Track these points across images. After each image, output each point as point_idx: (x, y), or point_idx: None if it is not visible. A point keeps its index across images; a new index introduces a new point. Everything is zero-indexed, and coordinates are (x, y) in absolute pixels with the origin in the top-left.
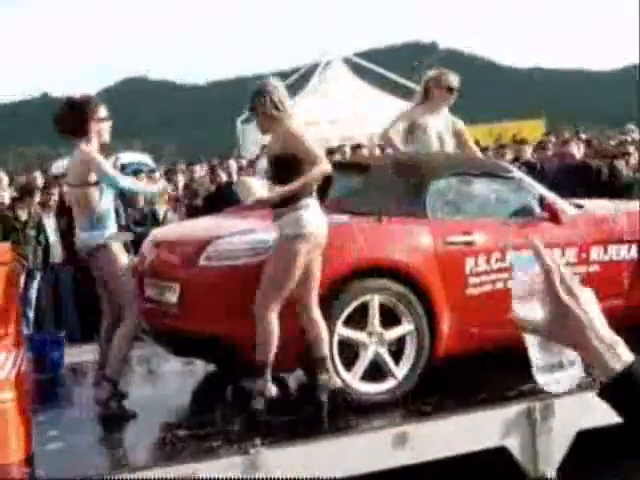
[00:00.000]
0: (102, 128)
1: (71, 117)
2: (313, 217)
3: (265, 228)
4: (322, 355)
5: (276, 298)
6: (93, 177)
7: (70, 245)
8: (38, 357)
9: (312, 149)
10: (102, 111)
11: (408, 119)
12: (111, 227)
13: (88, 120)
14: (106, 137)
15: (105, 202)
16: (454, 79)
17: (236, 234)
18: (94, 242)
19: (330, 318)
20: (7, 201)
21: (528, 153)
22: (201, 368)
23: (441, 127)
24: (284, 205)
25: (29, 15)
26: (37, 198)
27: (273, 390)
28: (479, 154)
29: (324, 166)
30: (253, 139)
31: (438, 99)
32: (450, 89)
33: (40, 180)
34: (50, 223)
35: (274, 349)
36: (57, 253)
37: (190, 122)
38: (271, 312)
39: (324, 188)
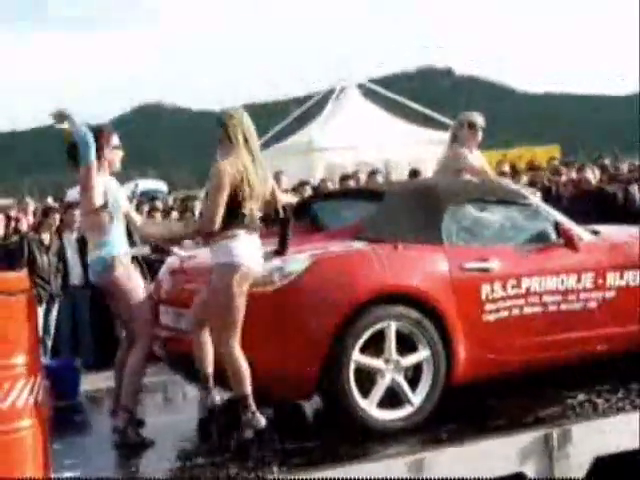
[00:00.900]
0: (114, 157)
1: None
2: (243, 248)
3: (282, 256)
4: (243, 394)
5: (230, 330)
6: (98, 202)
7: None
8: (54, 385)
9: (211, 204)
10: (115, 139)
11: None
12: (123, 249)
13: (100, 149)
14: (117, 165)
15: (117, 226)
16: (477, 117)
17: None
18: (104, 261)
19: (347, 345)
20: (25, 228)
21: (543, 178)
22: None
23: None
24: (215, 234)
25: (43, 44)
26: (56, 221)
27: (262, 421)
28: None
29: (202, 226)
30: (270, 165)
31: (465, 139)
32: (471, 125)
33: (54, 205)
34: (71, 245)
35: (249, 380)
36: (77, 275)
37: (205, 149)
38: (233, 345)
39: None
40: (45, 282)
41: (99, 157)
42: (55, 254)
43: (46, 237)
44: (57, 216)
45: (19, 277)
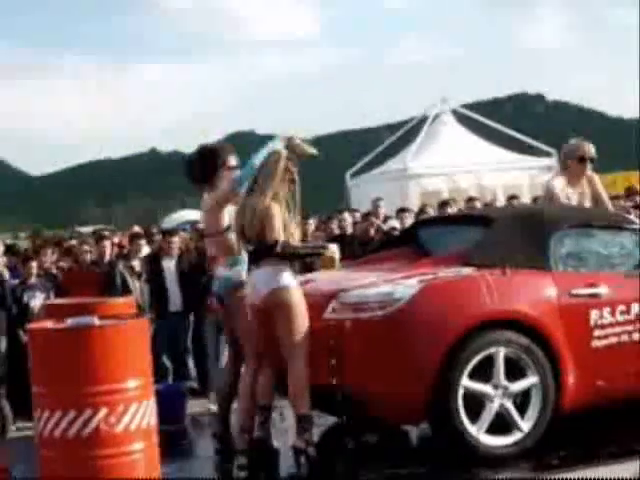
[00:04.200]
0: (230, 176)
1: (201, 165)
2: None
3: (391, 281)
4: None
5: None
6: (225, 223)
7: (190, 293)
8: (161, 409)
9: None
10: (232, 159)
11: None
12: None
13: (217, 168)
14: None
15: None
16: (589, 149)
17: (362, 287)
18: (230, 281)
19: (456, 371)
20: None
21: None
22: (322, 421)
23: (579, 198)
24: None
25: (140, 74)
26: (141, 247)
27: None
28: (609, 204)
29: None
30: (364, 192)
31: (573, 170)
32: (583, 159)
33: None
34: (170, 272)
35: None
36: (176, 301)
37: (299, 176)
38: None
39: None
40: (139, 308)
41: (215, 178)
42: (147, 280)
43: (136, 264)
44: (143, 242)
45: (128, 302)
